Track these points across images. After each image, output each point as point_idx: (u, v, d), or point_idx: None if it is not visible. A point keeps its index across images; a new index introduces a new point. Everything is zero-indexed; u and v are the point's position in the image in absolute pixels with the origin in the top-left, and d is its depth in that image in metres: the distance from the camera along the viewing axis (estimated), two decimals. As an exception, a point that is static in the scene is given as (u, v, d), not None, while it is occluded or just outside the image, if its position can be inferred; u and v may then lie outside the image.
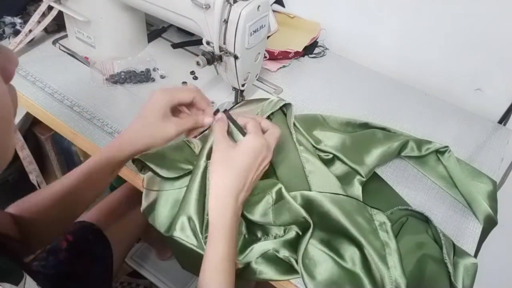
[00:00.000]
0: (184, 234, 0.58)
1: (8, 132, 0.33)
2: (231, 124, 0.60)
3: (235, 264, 0.55)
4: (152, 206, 0.62)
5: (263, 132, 0.59)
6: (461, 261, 0.59)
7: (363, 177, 0.68)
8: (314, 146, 0.72)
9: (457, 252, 0.60)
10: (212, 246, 0.51)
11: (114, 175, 0.61)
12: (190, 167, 0.63)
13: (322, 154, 0.72)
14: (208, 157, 0.59)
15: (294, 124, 0.73)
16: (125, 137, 0.59)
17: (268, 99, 0.75)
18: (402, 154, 0.74)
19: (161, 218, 0.61)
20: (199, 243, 0.57)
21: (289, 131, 0.70)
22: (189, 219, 0.58)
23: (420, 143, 0.74)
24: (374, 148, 0.71)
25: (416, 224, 0.63)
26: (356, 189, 0.67)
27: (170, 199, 0.62)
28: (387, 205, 0.66)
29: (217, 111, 0.62)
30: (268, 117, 0.72)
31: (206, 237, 0.57)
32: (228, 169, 0.53)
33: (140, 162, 0.61)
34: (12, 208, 0.57)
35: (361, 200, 0.66)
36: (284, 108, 0.74)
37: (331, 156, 0.71)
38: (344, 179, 0.68)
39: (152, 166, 0.61)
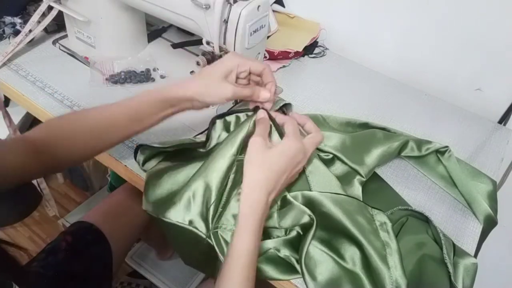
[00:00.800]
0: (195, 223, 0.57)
1: None
2: (272, 124, 0.60)
3: None
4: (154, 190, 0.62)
5: (306, 133, 0.59)
6: (461, 261, 0.59)
7: (363, 177, 0.68)
8: None
9: (457, 252, 0.60)
10: (240, 239, 0.51)
11: (165, 115, 0.60)
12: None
13: (322, 154, 0.72)
14: (240, 151, 0.59)
15: None
16: (181, 83, 0.58)
17: None
18: (402, 154, 0.74)
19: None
20: (208, 232, 0.57)
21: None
22: (206, 202, 0.57)
23: (420, 143, 0.74)
24: (374, 148, 0.71)
25: (416, 224, 0.63)
26: (356, 189, 0.67)
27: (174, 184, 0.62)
28: (387, 205, 0.66)
29: (256, 107, 0.62)
30: None
31: (216, 228, 0.57)
32: (263, 169, 0.53)
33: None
34: (36, 131, 0.55)
35: (361, 200, 0.66)
36: (284, 108, 0.74)
37: (331, 156, 0.71)
38: (344, 179, 0.68)
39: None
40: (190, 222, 0.58)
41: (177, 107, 0.59)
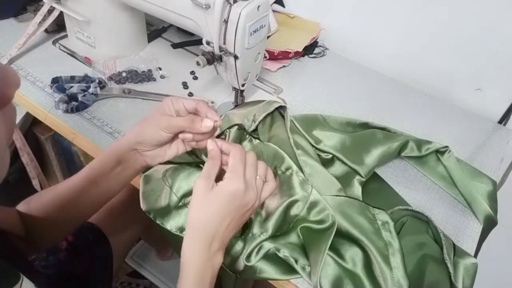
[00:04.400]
0: None
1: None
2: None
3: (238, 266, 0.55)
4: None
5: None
6: (461, 261, 0.59)
7: (362, 177, 0.68)
8: (313, 146, 0.72)
9: (457, 252, 0.60)
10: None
11: (119, 174, 0.58)
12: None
13: (322, 154, 0.72)
14: None
15: (294, 124, 0.73)
16: (125, 135, 0.59)
17: (264, 101, 0.75)
18: (402, 154, 0.74)
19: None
20: None
21: (287, 135, 0.70)
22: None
23: (420, 143, 0.74)
24: (374, 148, 0.71)
25: (417, 224, 0.63)
26: (356, 190, 0.67)
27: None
28: (387, 205, 0.66)
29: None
30: (264, 119, 0.72)
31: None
32: (200, 218, 0.49)
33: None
34: (21, 206, 0.57)
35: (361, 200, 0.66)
36: (282, 110, 0.74)
37: (330, 156, 0.71)
38: (344, 180, 0.68)
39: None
40: (181, 229, 0.59)
41: (125, 163, 0.58)
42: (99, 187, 0.58)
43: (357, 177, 0.68)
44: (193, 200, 0.50)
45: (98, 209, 0.61)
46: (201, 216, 0.49)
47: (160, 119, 0.55)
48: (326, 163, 0.71)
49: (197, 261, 0.49)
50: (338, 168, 0.71)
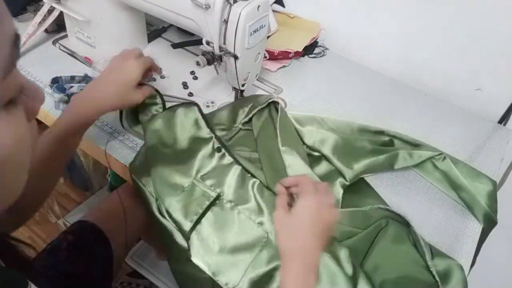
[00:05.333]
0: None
1: (23, 174, 0.33)
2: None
3: None
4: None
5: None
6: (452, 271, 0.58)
7: (346, 181, 0.68)
8: (304, 144, 0.73)
9: (442, 256, 0.59)
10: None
11: (82, 135, 0.65)
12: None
13: (312, 152, 0.73)
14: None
15: (289, 119, 0.74)
16: (93, 97, 0.64)
17: (261, 95, 0.76)
18: (396, 167, 0.73)
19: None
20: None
21: (275, 132, 0.71)
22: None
23: (411, 152, 0.73)
24: (363, 158, 0.71)
25: (398, 231, 0.62)
26: (336, 191, 0.67)
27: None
28: (366, 202, 0.66)
29: None
30: (258, 112, 0.73)
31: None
32: (290, 237, 0.53)
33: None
34: None
35: (340, 203, 0.66)
36: (277, 105, 0.75)
37: (319, 154, 0.72)
38: (326, 179, 0.69)
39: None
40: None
41: (90, 124, 0.65)
42: (68, 149, 0.64)
43: (340, 179, 0.69)
44: (277, 227, 0.55)
45: (63, 168, 0.67)
46: (291, 234, 0.53)
47: (137, 94, 0.66)
48: (314, 161, 0.71)
49: (306, 276, 0.51)
50: (323, 167, 0.71)
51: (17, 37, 0.29)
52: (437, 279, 0.56)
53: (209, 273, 0.56)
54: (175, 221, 0.60)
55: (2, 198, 0.32)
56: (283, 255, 0.53)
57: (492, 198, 0.69)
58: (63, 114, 0.63)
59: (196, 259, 0.57)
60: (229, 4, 0.64)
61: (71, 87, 0.79)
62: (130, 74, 0.65)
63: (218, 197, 0.61)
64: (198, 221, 0.59)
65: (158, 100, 0.71)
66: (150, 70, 0.72)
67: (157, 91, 0.70)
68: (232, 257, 0.57)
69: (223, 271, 0.56)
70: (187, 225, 0.58)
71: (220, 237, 0.58)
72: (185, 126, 0.69)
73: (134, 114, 0.73)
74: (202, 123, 0.69)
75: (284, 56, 0.96)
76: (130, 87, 0.65)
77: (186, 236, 0.58)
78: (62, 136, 0.60)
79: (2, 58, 0.28)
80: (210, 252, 0.57)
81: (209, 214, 0.60)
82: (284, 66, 0.96)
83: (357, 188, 0.70)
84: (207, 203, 0.60)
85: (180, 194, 0.61)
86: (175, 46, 0.95)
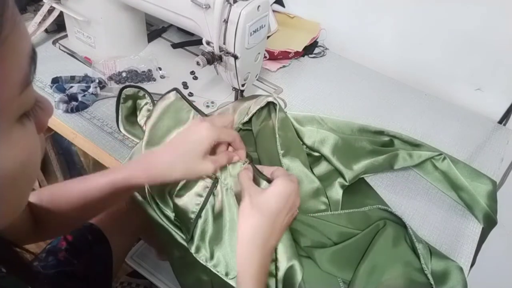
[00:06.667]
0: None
1: (30, 187, 0.33)
2: (256, 175, 0.60)
3: None
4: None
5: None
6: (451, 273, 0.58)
7: (346, 181, 0.68)
8: (304, 144, 0.73)
9: (442, 258, 0.59)
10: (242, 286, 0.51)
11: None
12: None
13: (312, 152, 0.72)
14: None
15: (289, 119, 0.74)
16: (155, 167, 0.56)
17: (261, 95, 0.76)
18: (396, 167, 0.73)
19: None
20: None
21: (274, 132, 0.71)
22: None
23: (411, 152, 0.73)
24: (362, 158, 0.71)
25: (396, 233, 0.62)
26: (335, 192, 0.67)
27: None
28: (366, 203, 0.66)
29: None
30: (258, 112, 0.73)
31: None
32: (256, 215, 0.53)
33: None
34: (32, 197, 0.56)
35: (340, 203, 0.66)
36: (275, 107, 0.75)
37: (319, 155, 0.72)
38: (326, 179, 0.68)
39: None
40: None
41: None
42: (115, 201, 0.60)
43: (340, 179, 0.68)
44: (245, 204, 0.54)
45: (103, 211, 0.65)
46: (259, 216, 0.53)
47: (207, 165, 0.56)
48: (313, 161, 0.72)
49: (254, 263, 0.52)
50: (323, 167, 0.71)
51: (34, 53, 0.30)
52: (432, 282, 0.56)
53: (209, 265, 0.57)
54: (175, 217, 0.60)
55: (8, 211, 0.32)
56: (242, 234, 0.54)
57: (492, 198, 0.69)
58: (127, 168, 0.57)
59: (196, 252, 0.58)
60: (229, 4, 0.64)
61: (71, 87, 0.79)
62: (196, 143, 0.55)
63: (216, 181, 0.59)
64: (198, 215, 0.58)
65: (148, 99, 0.72)
66: (228, 145, 0.61)
67: (143, 89, 0.71)
68: (231, 248, 0.57)
69: (222, 262, 0.57)
70: (187, 219, 0.59)
71: (219, 229, 0.58)
72: (172, 116, 0.69)
73: (130, 118, 0.74)
74: (184, 104, 0.69)
75: (284, 56, 0.96)
76: (196, 157, 0.55)
77: (187, 232, 0.59)
78: (114, 188, 0.55)
79: (21, 74, 0.28)
80: (210, 244, 0.58)
81: (208, 206, 0.59)
82: (284, 66, 0.96)
83: (357, 189, 0.69)
84: (207, 189, 0.59)
85: (178, 190, 0.61)
86: (175, 46, 0.95)
